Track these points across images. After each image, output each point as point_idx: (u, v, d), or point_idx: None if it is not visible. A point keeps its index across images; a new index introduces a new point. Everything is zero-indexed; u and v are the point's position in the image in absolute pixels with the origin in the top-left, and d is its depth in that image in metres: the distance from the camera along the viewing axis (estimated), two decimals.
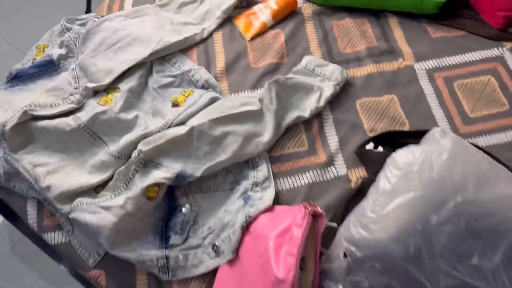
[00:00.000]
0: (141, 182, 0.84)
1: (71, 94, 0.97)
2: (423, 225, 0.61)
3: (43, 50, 1.08)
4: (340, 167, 0.89)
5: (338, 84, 0.96)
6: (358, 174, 0.88)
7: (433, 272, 0.62)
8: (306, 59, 1.00)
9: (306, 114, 0.92)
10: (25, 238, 1.05)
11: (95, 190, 0.88)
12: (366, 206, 0.68)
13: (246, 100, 0.93)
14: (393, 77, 1.00)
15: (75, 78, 0.99)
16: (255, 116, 0.90)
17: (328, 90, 0.95)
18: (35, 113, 0.91)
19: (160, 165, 0.85)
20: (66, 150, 0.91)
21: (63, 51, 1.04)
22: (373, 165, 0.87)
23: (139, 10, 1.09)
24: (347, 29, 1.08)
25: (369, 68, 1.02)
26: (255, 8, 1.10)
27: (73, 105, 0.94)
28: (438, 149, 0.66)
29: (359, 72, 1.01)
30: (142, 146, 0.84)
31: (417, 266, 0.62)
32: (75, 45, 1.04)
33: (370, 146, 0.89)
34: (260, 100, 0.92)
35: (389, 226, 0.63)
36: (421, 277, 0.62)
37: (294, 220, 0.69)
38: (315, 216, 0.70)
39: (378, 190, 0.67)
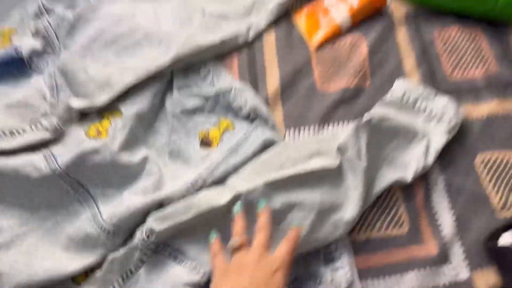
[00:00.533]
0: (148, 283, 0.51)
1: (44, 115, 0.62)
2: None
3: (9, 38, 0.73)
4: (459, 266, 0.57)
5: (453, 129, 0.64)
6: (486, 279, 0.57)
7: None
8: (401, 86, 0.67)
9: (409, 175, 0.60)
10: None
11: (74, 279, 0.55)
12: None
13: (317, 147, 0.60)
14: None
15: (53, 88, 0.65)
16: (332, 176, 0.58)
17: (438, 138, 0.63)
18: None
19: (181, 255, 0.52)
20: (31, 206, 0.58)
21: (38, 43, 0.69)
22: None
23: None
24: (454, 43, 0.75)
25: (490, 106, 0.69)
26: (326, 1, 0.76)
27: (46, 134, 0.60)
28: None
29: (476, 111, 0.69)
30: (155, 224, 0.51)
31: None
32: (57, 36, 0.69)
33: (507, 236, 0.58)
34: (340, 149, 0.59)
35: None
36: None
37: None
38: None
39: None
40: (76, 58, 0.66)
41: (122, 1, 0.71)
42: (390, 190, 0.61)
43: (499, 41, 0.75)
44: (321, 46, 0.73)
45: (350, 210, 0.56)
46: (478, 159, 0.65)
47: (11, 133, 0.60)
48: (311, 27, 0.74)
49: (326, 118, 0.67)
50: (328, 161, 0.58)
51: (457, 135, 0.65)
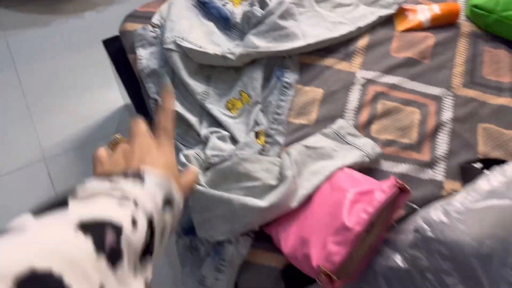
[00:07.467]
0: None
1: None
2: (506, 233, 0.62)
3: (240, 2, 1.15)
4: (438, 173, 0.92)
5: (367, 156, 0.90)
6: (453, 186, 0.90)
7: (497, 278, 0.62)
8: (338, 123, 0.96)
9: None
10: None
11: None
12: (456, 197, 0.71)
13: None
14: None
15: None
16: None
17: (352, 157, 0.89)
18: None
19: None
20: None
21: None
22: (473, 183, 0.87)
23: None
24: (498, 58, 1.08)
25: (505, 100, 1.01)
26: (418, 6, 1.15)
27: None
28: None
29: (494, 100, 1.02)
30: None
31: (484, 266, 0.63)
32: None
33: (477, 164, 0.90)
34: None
35: (471, 221, 0.66)
36: (483, 277, 0.63)
37: (379, 186, 0.75)
38: (401, 191, 0.75)
39: (474, 186, 0.70)
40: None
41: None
42: (411, 114, 0.97)
43: None
44: (404, 31, 1.11)
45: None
46: (482, 125, 0.98)
47: None
48: (402, 18, 1.13)
49: (389, 70, 1.05)
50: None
51: (473, 108, 0.98)
